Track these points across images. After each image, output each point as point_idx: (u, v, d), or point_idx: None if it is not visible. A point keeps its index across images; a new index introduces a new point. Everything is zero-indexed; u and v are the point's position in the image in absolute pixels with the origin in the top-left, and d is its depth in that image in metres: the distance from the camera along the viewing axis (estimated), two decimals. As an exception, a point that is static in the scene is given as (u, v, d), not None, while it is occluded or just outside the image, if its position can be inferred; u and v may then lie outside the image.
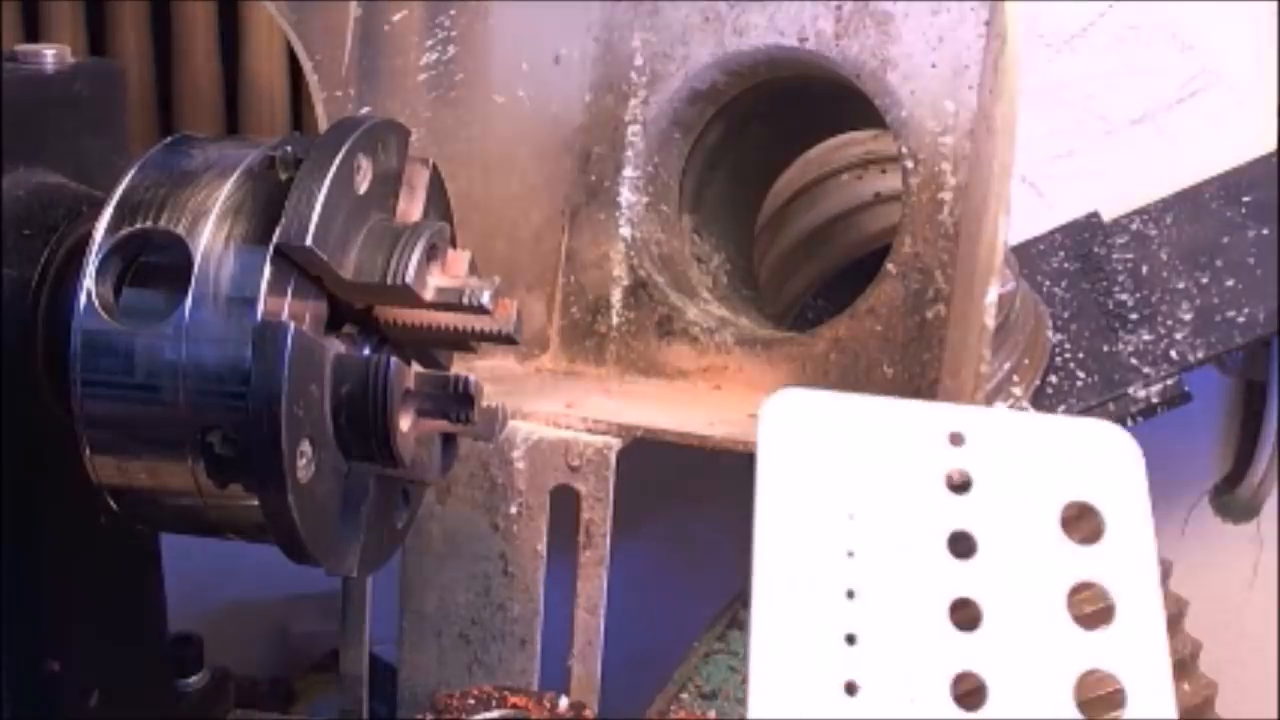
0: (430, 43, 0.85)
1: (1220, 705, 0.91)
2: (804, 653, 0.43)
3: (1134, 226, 0.89)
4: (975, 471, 0.46)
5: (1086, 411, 0.83)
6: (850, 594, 0.43)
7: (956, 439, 0.46)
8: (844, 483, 0.44)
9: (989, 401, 0.80)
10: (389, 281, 0.61)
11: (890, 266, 0.82)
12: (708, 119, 0.91)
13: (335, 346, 0.62)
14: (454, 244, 0.67)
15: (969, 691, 0.44)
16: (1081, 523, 0.46)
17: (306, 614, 1.18)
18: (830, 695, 0.42)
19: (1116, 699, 0.44)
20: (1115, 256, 0.88)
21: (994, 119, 0.74)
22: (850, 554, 0.44)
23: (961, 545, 0.45)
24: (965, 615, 0.44)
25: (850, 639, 0.43)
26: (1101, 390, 0.84)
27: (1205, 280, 0.87)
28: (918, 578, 0.44)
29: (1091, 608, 0.46)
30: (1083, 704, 0.44)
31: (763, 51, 0.86)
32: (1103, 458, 0.46)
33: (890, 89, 0.82)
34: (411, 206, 0.66)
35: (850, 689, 0.42)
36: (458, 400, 0.65)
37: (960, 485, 0.45)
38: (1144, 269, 0.87)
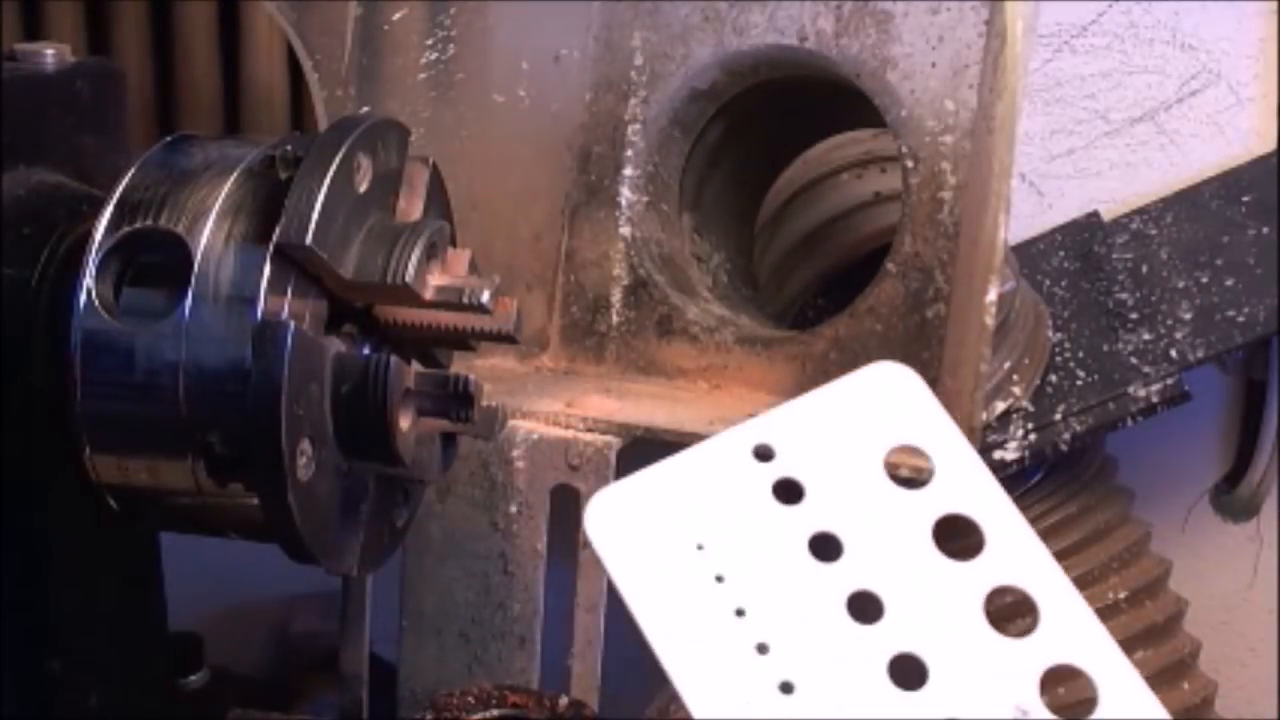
0: (430, 42, 0.85)
1: (1220, 705, 0.91)
2: (729, 671, 0.43)
3: (1134, 226, 0.89)
4: (795, 474, 0.45)
5: (1086, 411, 0.83)
6: (740, 612, 0.43)
7: (763, 453, 0.46)
8: (691, 544, 0.44)
9: (989, 401, 0.80)
10: (389, 281, 0.61)
11: (890, 266, 0.82)
12: (708, 118, 0.91)
13: (335, 346, 0.62)
14: (454, 243, 0.67)
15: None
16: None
17: (306, 614, 1.17)
18: (768, 697, 0.42)
19: (1024, 608, 0.44)
20: (1115, 256, 0.88)
21: (994, 118, 0.74)
22: (739, 612, 0.43)
23: (822, 546, 0.45)
24: (864, 609, 0.44)
25: (762, 648, 0.43)
26: (1101, 389, 0.84)
27: (1205, 280, 0.87)
28: (805, 599, 0.44)
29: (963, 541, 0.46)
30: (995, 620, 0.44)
31: (763, 51, 0.86)
32: (899, 398, 0.46)
33: (890, 88, 0.82)
34: (411, 205, 0.66)
35: (786, 688, 0.42)
36: (458, 399, 0.65)
37: (791, 496, 0.45)
38: (1144, 268, 0.87)
